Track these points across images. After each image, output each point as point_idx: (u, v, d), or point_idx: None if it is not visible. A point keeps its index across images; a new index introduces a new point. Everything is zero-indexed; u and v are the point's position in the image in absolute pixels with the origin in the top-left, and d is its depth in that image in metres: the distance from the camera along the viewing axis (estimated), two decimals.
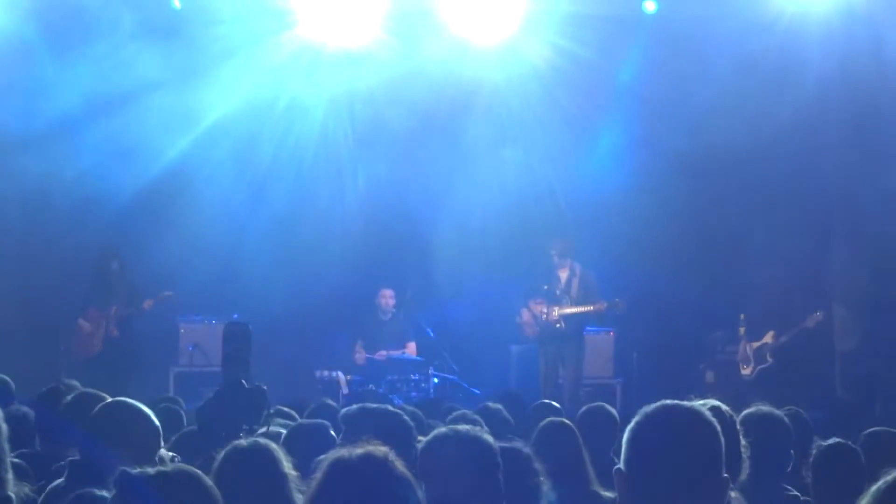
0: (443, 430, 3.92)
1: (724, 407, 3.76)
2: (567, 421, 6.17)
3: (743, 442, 3.80)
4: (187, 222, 13.20)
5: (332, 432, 5.33)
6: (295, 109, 13.36)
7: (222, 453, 3.76)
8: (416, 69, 13.02)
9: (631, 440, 2.77)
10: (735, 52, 12.69)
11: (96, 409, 4.53)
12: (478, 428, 3.96)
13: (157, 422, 4.42)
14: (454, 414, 6.68)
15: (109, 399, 4.72)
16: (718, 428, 2.78)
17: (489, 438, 3.82)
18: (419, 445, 3.86)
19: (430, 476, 3.68)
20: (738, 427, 3.82)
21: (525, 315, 12.69)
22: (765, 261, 12.83)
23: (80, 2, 12.33)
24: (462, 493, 3.61)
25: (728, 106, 12.67)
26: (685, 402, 2.83)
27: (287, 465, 3.78)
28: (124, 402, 4.52)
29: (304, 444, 4.33)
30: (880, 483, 2.53)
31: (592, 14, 12.58)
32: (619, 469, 2.77)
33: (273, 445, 3.79)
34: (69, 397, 5.66)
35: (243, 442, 3.82)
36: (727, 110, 12.65)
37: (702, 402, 3.63)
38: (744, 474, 3.81)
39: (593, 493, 5.63)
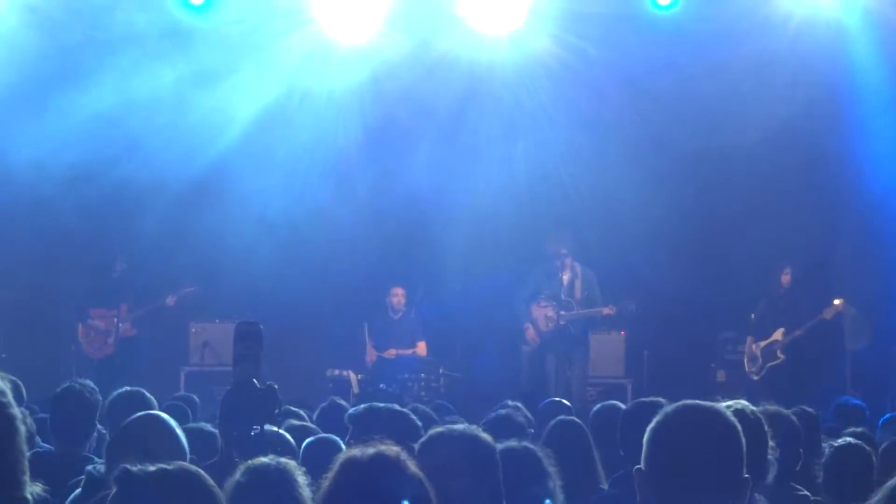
0: (439, 428, 3.88)
1: (750, 408, 3.74)
2: (577, 419, 6.17)
3: (771, 444, 3.77)
4: (197, 222, 13.23)
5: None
6: (304, 107, 13.36)
7: (239, 471, 3.72)
8: (425, 65, 13.03)
9: (651, 440, 2.78)
10: (745, 50, 12.69)
11: (125, 421, 4.52)
12: (475, 427, 3.90)
13: (184, 441, 4.41)
14: (495, 413, 6.53)
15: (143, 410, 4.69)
16: (739, 428, 2.79)
17: (487, 437, 3.78)
18: (416, 445, 3.83)
19: (427, 476, 3.65)
20: (767, 429, 3.78)
21: (530, 331, 12.70)
22: (774, 260, 12.83)
23: (106, 12, 12.38)
24: (460, 493, 3.59)
25: (738, 104, 12.67)
26: (706, 402, 2.84)
27: (304, 488, 3.74)
28: (154, 417, 4.52)
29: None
30: (893, 481, 2.54)
31: (602, 11, 12.60)
32: (639, 469, 2.78)
33: (292, 465, 3.76)
34: (113, 396, 5.71)
35: (265, 460, 3.79)
36: (737, 108, 12.65)
37: (730, 402, 3.62)
38: (770, 477, 3.77)
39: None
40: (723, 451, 2.74)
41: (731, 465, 2.74)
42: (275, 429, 5.05)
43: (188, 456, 4.34)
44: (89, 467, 4.65)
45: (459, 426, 3.92)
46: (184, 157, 13.08)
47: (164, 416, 4.55)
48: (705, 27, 12.76)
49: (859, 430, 6.17)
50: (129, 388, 5.77)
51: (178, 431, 4.43)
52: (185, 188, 13.22)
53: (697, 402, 2.83)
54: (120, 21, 12.39)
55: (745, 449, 2.77)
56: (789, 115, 12.65)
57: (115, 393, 5.76)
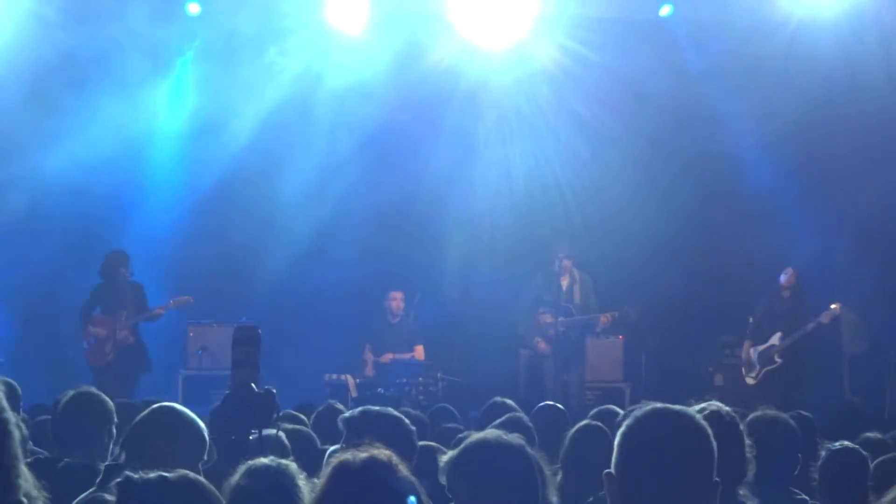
0: (486, 437, 3.77)
1: (724, 409, 3.75)
2: (601, 424, 6.09)
3: (748, 442, 3.79)
4: (195, 225, 13.23)
5: None
6: (301, 112, 13.37)
7: (240, 471, 3.72)
8: (425, 70, 13.05)
9: (621, 444, 2.78)
10: (744, 53, 12.71)
11: (144, 413, 4.51)
12: (516, 435, 3.78)
13: (204, 429, 4.42)
14: (504, 417, 6.45)
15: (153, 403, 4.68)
16: (709, 431, 2.77)
17: (530, 449, 3.72)
18: (454, 452, 3.75)
19: (464, 487, 3.59)
20: (742, 428, 3.81)
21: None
22: (772, 264, 12.83)
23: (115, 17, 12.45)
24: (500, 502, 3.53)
25: (736, 108, 12.69)
26: (676, 406, 2.83)
27: (303, 492, 3.73)
28: (171, 408, 4.51)
29: None
30: None
31: (602, 17, 12.63)
32: (609, 473, 2.78)
33: (293, 467, 3.75)
34: (66, 398, 5.62)
35: (265, 461, 3.78)
36: (735, 112, 12.67)
37: (703, 405, 3.63)
38: (750, 475, 3.80)
39: None
40: (691, 455, 2.73)
41: (701, 469, 2.73)
42: (274, 432, 5.04)
43: (207, 448, 4.34)
44: (105, 463, 4.63)
45: (494, 431, 3.82)
46: (179, 161, 13.10)
47: (178, 406, 4.54)
48: (706, 32, 12.79)
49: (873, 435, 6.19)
50: (83, 390, 5.67)
51: (199, 422, 4.43)
52: (180, 191, 13.24)
53: (667, 406, 2.82)
54: (127, 26, 12.43)
55: (716, 453, 2.75)
56: (787, 119, 12.66)
57: (68, 395, 5.66)
